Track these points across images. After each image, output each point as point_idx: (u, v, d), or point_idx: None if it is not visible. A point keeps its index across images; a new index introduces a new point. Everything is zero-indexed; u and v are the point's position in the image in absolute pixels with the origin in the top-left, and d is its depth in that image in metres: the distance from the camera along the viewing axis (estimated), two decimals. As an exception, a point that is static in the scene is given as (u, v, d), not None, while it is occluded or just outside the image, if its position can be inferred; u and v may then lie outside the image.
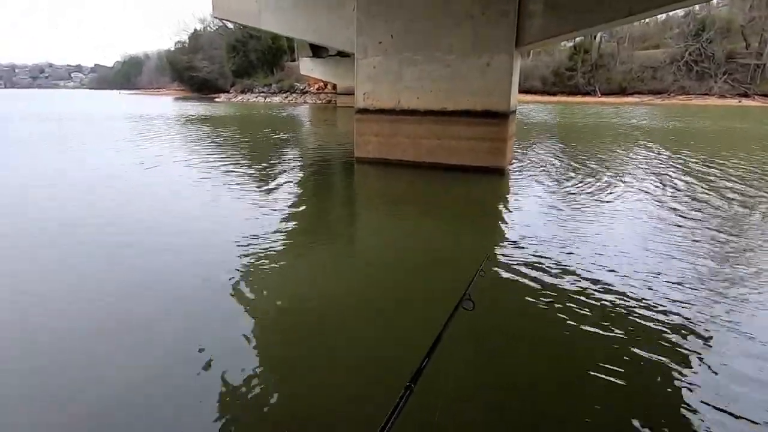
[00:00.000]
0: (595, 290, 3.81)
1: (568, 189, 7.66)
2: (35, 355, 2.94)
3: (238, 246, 4.83)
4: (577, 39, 43.62)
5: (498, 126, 8.73)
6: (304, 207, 6.80)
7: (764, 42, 37.77)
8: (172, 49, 71.39)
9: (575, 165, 9.85)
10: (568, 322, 3.31)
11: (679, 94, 39.39)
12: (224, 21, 51.38)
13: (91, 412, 2.41)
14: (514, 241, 5.07)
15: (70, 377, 2.73)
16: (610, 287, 3.87)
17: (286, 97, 46.74)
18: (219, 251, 4.70)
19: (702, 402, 2.48)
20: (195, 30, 66.63)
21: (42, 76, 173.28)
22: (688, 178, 8.36)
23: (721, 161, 10.08)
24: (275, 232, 5.34)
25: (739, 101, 36.12)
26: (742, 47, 39.27)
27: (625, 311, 3.46)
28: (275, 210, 6.28)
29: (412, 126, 9.42)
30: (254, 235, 5.14)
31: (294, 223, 5.92)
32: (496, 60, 8.49)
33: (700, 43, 39.48)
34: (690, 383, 2.62)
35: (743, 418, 2.36)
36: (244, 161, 10.34)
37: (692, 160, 10.41)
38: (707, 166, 9.56)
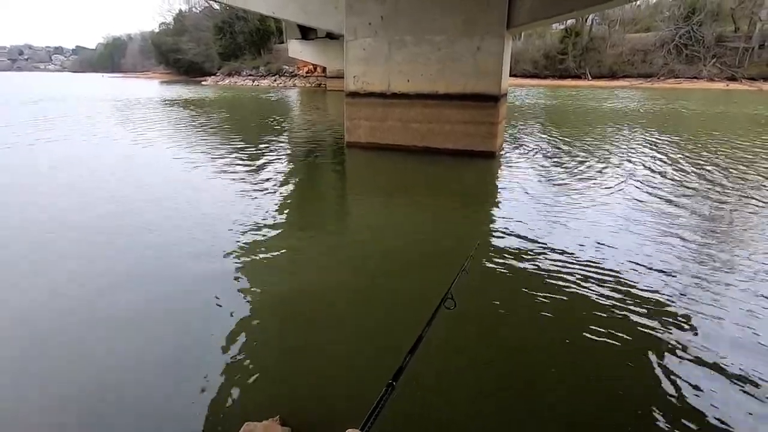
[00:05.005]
0: (585, 281, 3.85)
1: (557, 173, 7.69)
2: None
3: (225, 234, 4.78)
4: (569, 22, 43.32)
5: (489, 109, 8.67)
6: (293, 195, 6.72)
7: (753, 25, 37.82)
8: (157, 30, 69.67)
9: (564, 148, 9.86)
10: (560, 318, 3.35)
11: (669, 78, 39.46)
12: (210, 1, 49.94)
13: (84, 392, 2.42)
14: (503, 230, 5.07)
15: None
16: (600, 278, 3.91)
17: (275, 80, 45.92)
18: (205, 240, 4.64)
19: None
20: (180, 11, 65.00)
21: (21, 59, 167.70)
22: (664, 159, 8.45)
23: (700, 144, 10.19)
24: (263, 221, 5.30)
25: (727, 85, 36.30)
26: (732, 30, 39.31)
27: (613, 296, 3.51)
28: (263, 199, 6.20)
29: (403, 110, 9.32)
30: (241, 224, 5.11)
31: (283, 211, 5.86)
32: (487, 42, 8.38)
33: (690, 26, 39.42)
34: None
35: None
36: (232, 147, 10.17)
37: (672, 142, 10.50)
38: (684, 148, 9.65)
